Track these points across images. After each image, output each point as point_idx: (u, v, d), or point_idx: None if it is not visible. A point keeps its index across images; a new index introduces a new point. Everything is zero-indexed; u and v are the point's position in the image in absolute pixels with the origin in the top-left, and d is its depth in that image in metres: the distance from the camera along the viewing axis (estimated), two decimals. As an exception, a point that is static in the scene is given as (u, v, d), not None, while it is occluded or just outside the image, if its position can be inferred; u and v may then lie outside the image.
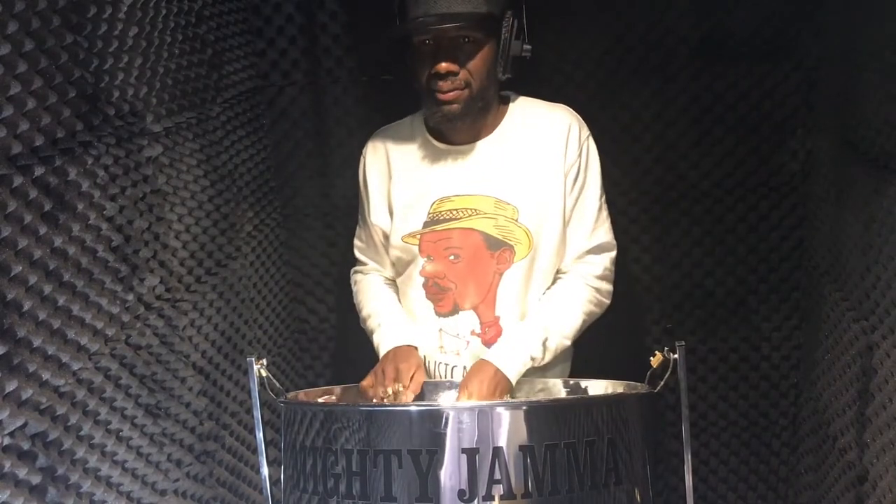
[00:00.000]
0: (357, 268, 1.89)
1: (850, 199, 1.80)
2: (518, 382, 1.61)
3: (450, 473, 1.25)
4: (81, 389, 1.25)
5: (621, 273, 1.81)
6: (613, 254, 1.75)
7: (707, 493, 2.40)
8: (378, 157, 1.76)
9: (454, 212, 1.67)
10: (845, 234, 1.83)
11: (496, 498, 1.25)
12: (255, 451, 1.86)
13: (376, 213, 1.76)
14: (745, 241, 2.21)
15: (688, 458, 1.41)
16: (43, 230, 1.16)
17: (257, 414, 1.44)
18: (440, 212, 1.68)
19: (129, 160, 1.43)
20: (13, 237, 1.10)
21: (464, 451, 1.25)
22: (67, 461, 1.20)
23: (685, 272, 2.25)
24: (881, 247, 1.60)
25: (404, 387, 1.55)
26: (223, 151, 1.88)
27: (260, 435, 1.46)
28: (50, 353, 1.17)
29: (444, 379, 1.73)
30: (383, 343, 1.70)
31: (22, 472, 1.10)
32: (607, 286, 1.75)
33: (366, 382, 1.60)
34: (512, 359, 1.59)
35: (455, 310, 1.71)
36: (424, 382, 1.66)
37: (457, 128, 1.66)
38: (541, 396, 1.68)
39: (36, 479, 1.13)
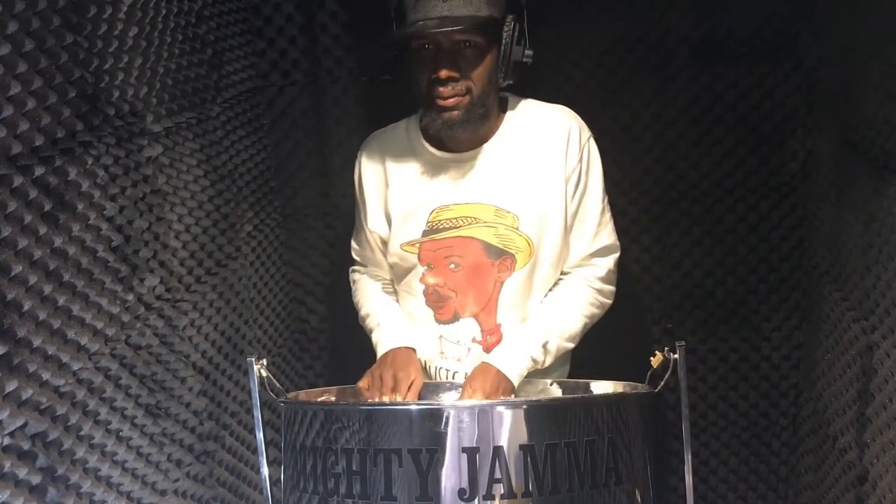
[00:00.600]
0: (356, 267, 1.88)
1: (850, 199, 1.80)
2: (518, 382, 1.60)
3: (450, 473, 1.25)
4: (81, 389, 1.25)
5: (621, 273, 1.81)
6: (617, 255, 1.74)
7: (707, 493, 2.40)
8: (373, 165, 1.72)
9: (454, 220, 1.65)
10: (845, 234, 1.83)
11: (496, 497, 1.25)
12: (255, 451, 1.86)
13: (373, 220, 1.73)
14: (745, 241, 2.21)
15: (688, 458, 1.41)
16: (43, 230, 1.16)
17: (257, 414, 1.44)
18: (439, 220, 1.66)
19: (129, 160, 1.43)
20: (13, 237, 1.10)
21: (464, 450, 1.25)
22: (67, 461, 1.20)
23: (685, 272, 2.25)
24: (881, 247, 1.59)
25: (402, 397, 1.54)
26: (223, 151, 1.88)
27: (260, 435, 1.46)
28: (50, 353, 1.17)
29: (443, 380, 1.73)
30: (382, 343, 1.69)
31: (22, 472, 1.10)
32: (609, 287, 1.74)
33: (362, 384, 1.59)
34: (514, 361, 1.59)
35: (455, 317, 1.70)
36: (425, 383, 1.67)
37: (456, 135, 1.61)
38: (541, 396, 1.68)
39: (36, 479, 1.13)
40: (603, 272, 1.71)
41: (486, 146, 1.65)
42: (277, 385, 1.51)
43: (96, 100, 1.33)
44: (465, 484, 1.24)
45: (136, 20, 1.47)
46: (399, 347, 1.65)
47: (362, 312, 1.80)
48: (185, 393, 1.59)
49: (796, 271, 2.21)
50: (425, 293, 1.71)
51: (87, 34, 1.30)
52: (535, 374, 1.64)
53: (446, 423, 1.26)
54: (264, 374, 1.46)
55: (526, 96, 1.72)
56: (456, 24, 1.49)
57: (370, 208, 1.73)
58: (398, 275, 1.76)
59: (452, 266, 1.66)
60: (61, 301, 1.20)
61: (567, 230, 1.66)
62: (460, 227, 1.64)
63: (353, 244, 1.85)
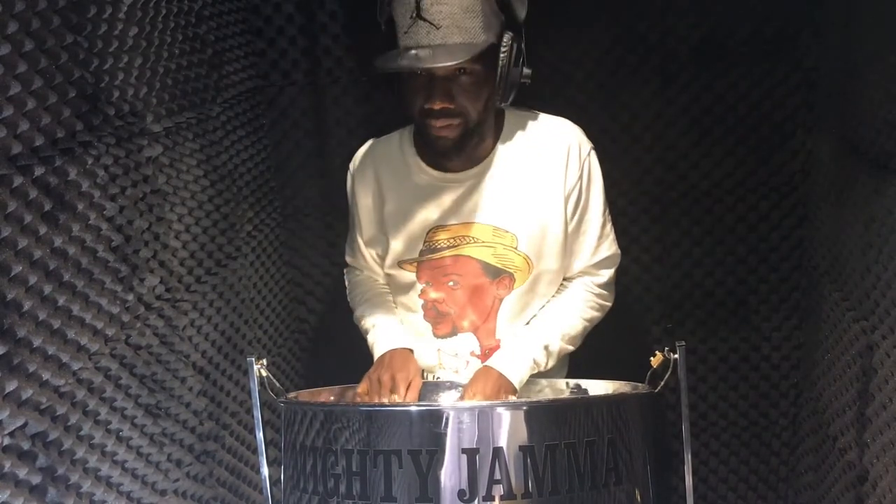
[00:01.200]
0: (352, 267, 1.86)
1: (850, 199, 1.80)
2: (517, 383, 1.60)
3: (450, 473, 1.25)
4: (81, 389, 1.25)
5: (621, 273, 1.81)
6: (618, 263, 1.72)
7: (707, 493, 2.40)
8: (367, 181, 1.67)
9: (451, 240, 1.62)
10: (845, 234, 1.83)
11: (496, 498, 1.25)
12: (255, 451, 1.86)
13: (369, 237, 1.70)
14: (745, 241, 2.21)
15: (688, 458, 1.41)
16: (43, 230, 1.16)
17: (257, 414, 1.44)
18: (437, 240, 1.63)
19: (129, 160, 1.42)
20: (13, 237, 1.10)
21: (464, 451, 1.25)
22: (67, 461, 1.20)
23: (685, 272, 2.25)
24: (881, 247, 1.59)
25: (401, 398, 1.53)
26: (223, 151, 1.88)
27: (260, 435, 1.46)
28: (50, 353, 1.17)
29: (443, 381, 1.73)
30: (378, 344, 1.67)
31: (22, 472, 1.10)
32: (610, 292, 1.73)
33: (361, 389, 1.57)
34: (515, 364, 1.58)
35: (454, 331, 1.70)
36: (424, 383, 1.66)
37: (451, 159, 1.57)
38: (541, 397, 1.68)
39: (36, 479, 1.13)
40: (604, 280, 1.70)
41: (482, 165, 1.60)
42: (277, 385, 1.51)
43: (96, 100, 1.33)
44: (464, 485, 1.24)
45: (136, 20, 1.47)
46: (396, 349, 1.64)
47: (357, 312, 1.78)
48: (185, 393, 1.59)
49: (796, 271, 2.21)
50: (424, 307, 1.70)
51: (87, 34, 1.30)
52: (533, 375, 1.64)
53: (446, 423, 1.26)
54: (264, 374, 1.46)
55: (526, 99, 1.68)
56: (451, 57, 1.40)
57: (365, 225, 1.70)
58: (395, 288, 1.74)
59: (451, 284, 1.65)
60: (61, 301, 1.20)
61: (566, 247, 1.63)
62: (458, 245, 1.62)
63: (347, 251, 1.82)
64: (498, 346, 1.68)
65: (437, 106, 1.45)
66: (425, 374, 1.74)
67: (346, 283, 1.86)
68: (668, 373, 1.40)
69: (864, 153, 1.71)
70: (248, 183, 2.04)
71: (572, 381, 1.72)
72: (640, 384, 1.50)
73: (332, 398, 1.68)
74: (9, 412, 1.08)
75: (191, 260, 1.68)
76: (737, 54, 2.07)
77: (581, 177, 1.60)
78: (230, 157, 1.93)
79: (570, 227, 1.62)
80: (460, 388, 1.68)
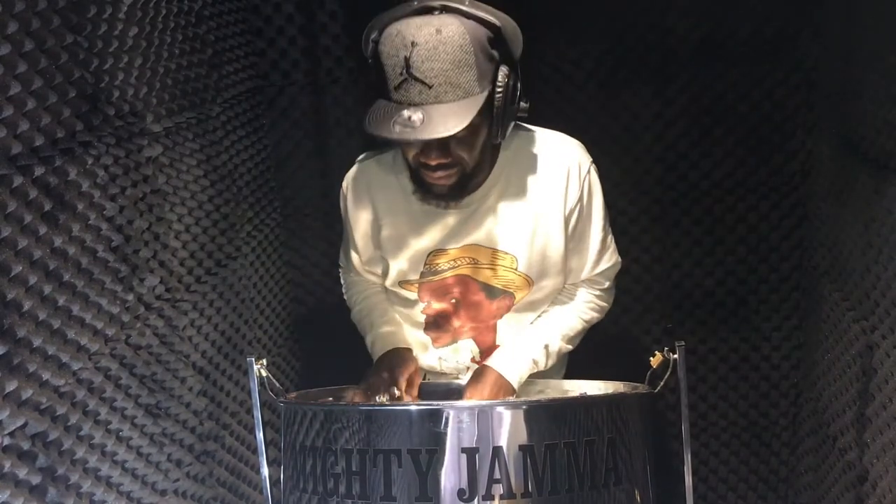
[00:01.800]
0: (348, 270, 1.83)
1: (850, 199, 1.80)
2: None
3: (450, 473, 1.25)
4: (81, 389, 1.25)
5: (621, 273, 1.81)
6: (618, 270, 1.71)
7: (707, 493, 2.40)
8: (363, 206, 1.61)
9: (452, 262, 1.60)
10: (845, 234, 1.83)
11: (496, 497, 1.25)
12: (255, 451, 1.86)
13: (367, 258, 1.67)
14: (745, 241, 2.21)
15: (688, 458, 1.40)
16: (43, 230, 1.16)
17: (257, 414, 1.44)
18: (437, 263, 1.60)
19: (129, 160, 1.43)
20: (13, 237, 1.10)
21: (464, 450, 1.25)
22: (67, 461, 1.20)
23: (685, 272, 2.25)
24: (881, 247, 1.59)
25: (399, 390, 1.52)
26: (223, 151, 1.88)
27: (260, 435, 1.46)
28: (50, 353, 1.17)
29: (443, 381, 1.73)
30: (377, 345, 1.66)
31: (22, 472, 1.10)
32: (609, 295, 1.72)
33: (361, 389, 1.55)
34: (514, 364, 1.58)
35: (454, 340, 1.70)
36: (424, 383, 1.66)
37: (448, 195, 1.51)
38: (540, 397, 1.68)
39: (36, 479, 1.13)
40: (604, 285, 1.69)
41: (481, 190, 1.53)
42: (277, 385, 1.50)
43: (96, 100, 1.33)
44: (464, 484, 1.24)
45: (136, 20, 1.47)
46: (395, 348, 1.64)
47: (355, 311, 1.77)
48: (185, 393, 1.59)
49: (796, 271, 2.21)
50: (425, 321, 1.70)
51: (87, 34, 1.30)
52: (532, 375, 1.64)
53: (446, 423, 1.26)
54: (264, 374, 1.46)
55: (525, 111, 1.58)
56: (447, 125, 1.30)
57: (362, 248, 1.66)
58: (394, 301, 1.73)
59: (453, 301, 1.66)
60: (61, 301, 1.20)
61: (567, 264, 1.60)
62: (458, 266, 1.61)
63: (342, 259, 1.80)
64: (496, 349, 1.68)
65: (434, 162, 1.40)
66: (426, 376, 1.74)
67: (343, 281, 1.86)
68: (668, 373, 1.40)
69: (864, 153, 1.71)
70: (248, 183, 2.04)
71: (572, 381, 1.72)
72: (639, 384, 1.50)
73: (331, 398, 1.67)
74: (9, 412, 1.08)
75: (191, 260, 1.68)
76: (737, 54, 2.08)
77: (581, 197, 1.55)
78: (230, 157, 1.93)
79: (571, 245, 1.59)
80: (460, 389, 1.68)
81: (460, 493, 1.24)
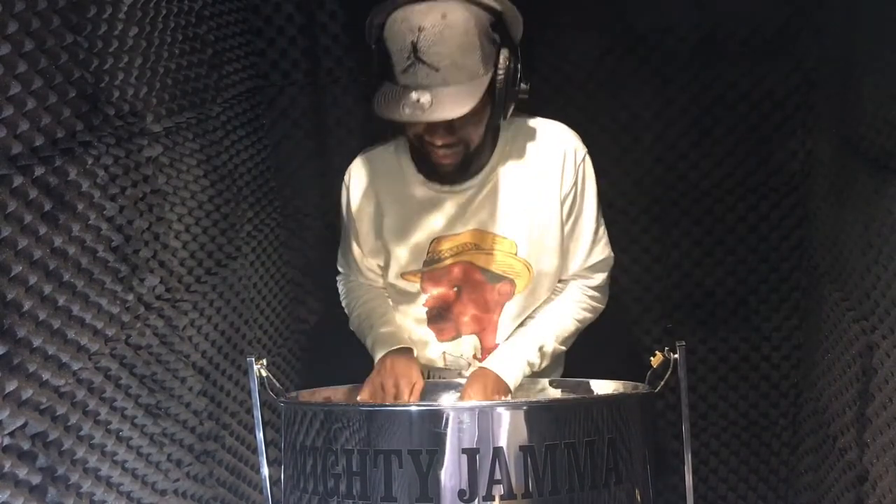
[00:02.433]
0: (344, 274, 1.84)
1: (850, 199, 1.80)
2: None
3: (450, 473, 1.25)
4: (81, 389, 1.25)
5: (621, 273, 1.82)
6: (611, 265, 1.72)
7: (707, 493, 2.40)
8: (365, 194, 1.65)
9: (454, 248, 1.62)
10: (845, 234, 1.83)
11: (496, 498, 1.25)
12: (255, 451, 1.86)
13: (370, 249, 1.69)
14: (745, 241, 2.21)
15: (688, 458, 1.41)
16: (43, 230, 1.16)
17: (257, 414, 1.44)
18: (440, 250, 1.63)
19: (129, 160, 1.42)
20: (13, 237, 1.10)
21: (464, 451, 1.25)
22: (67, 461, 1.20)
23: (685, 272, 2.25)
24: (881, 247, 1.60)
25: (401, 393, 1.53)
26: (223, 151, 1.88)
27: (260, 435, 1.46)
28: (50, 353, 1.17)
29: (443, 380, 1.73)
30: (378, 346, 1.65)
31: (22, 472, 1.10)
32: (603, 295, 1.73)
33: (364, 396, 1.56)
34: (510, 365, 1.58)
35: (458, 335, 1.71)
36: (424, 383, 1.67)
37: (451, 175, 1.57)
38: (540, 397, 1.68)
39: (36, 479, 1.13)
40: (597, 282, 1.70)
41: (481, 175, 1.58)
42: (277, 385, 1.50)
43: (96, 100, 1.33)
44: (464, 485, 1.24)
45: (136, 20, 1.47)
46: (397, 351, 1.63)
47: (354, 317, 1.77)
48: (185, 393, 1.59)
49: (796, 271, 2.21)
50: (428, 314, 1.70)
51: (87, 34, 1.30)
52: (527, 375, 1.64)
53: (446, 423, 1.26)
54: (264, 374, 1.46)
55: (527, 99, 1.62)
56: (455, 107, 1.36)
57: (364, 238, 1.68)
58: (397, 298, 1.73)
59: (455, 289, 1.66)
60: (61, 301, 1.20)
61: (563, 250, 1.63)
62: (460, 253, 1.63)
63: (341, 262, 1.81)
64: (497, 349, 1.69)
65: (440, 142, 1.45)
66: (429, 374, 1.74)
67: (340, 289, 1.85)
68: (668, 373, 1.40)
69: (864, 153, 1.71)
70: (248, 183, 2.04)
71: (572, 381, 1.71)
72: (640, 384, 1.50)
73: (332, 398, 1.67)
74: (9, 412, 1.08)
75: (191, 260, 1.68)
76: (737, 54, 2.08)
77: (576, 182, 1.59)
78: (230, 157, 1.93)
79: (566, 231, 1.62)
80: (460, 389, 1.68)
81: (461, 493, 1.24)
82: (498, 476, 1.25)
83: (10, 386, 1.08)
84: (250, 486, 1.90)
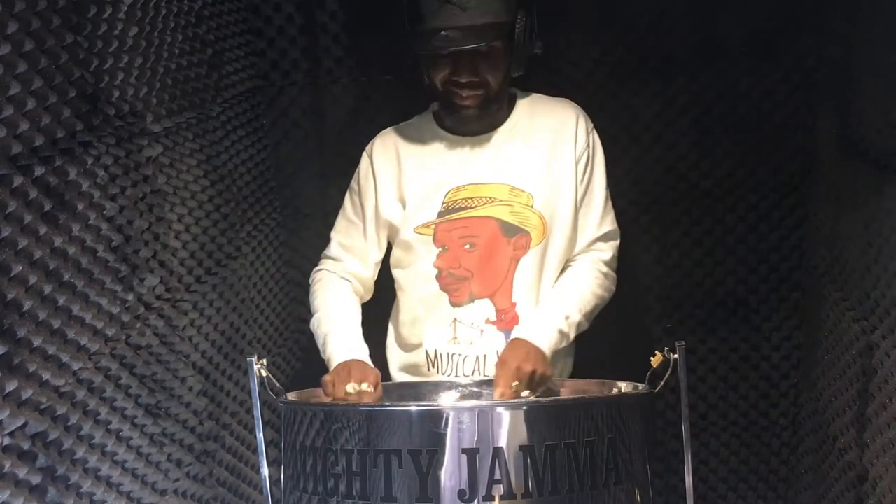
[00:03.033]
0: (323, 266, 1.80)
1: (850, 199, 1.80)
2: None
3: (450, 473, 1.25)
4: (81, 389, 1.25)
5: (621, 273, 1.81)
6: (618, 242, 1.80)
7: (707, 493, 2.39)
8: (387, 152, 1.76)
9: (469, 200, 1.69)
10: (845, 234, 1.83)
11: (496, 498, 1.25)
12: (255, 451, 1.86)
13: (386, 206, 1.73)
14: (745, 241, 2.21)
15: (688, 458, 1.41)
16: (43, 230, 1.16)
17: (257, 414, 1.44)
18: (455, 201, 1.69)
19: (129, 160, 1.43)
20: (13, 237, 1.10)
21: (464, 451, 1.25)
22: (67, 461, 1.20)
23: (685, 272, 2.25)
24: (881, 247, 1.60)
25: (367, 383, 1.50)
26: (223, 151, 1.88)
27: (260, 435, 1.46)
28: (50, 353, 1.17)
29: (445, 379, 1.73)
30: (335, 355, 1.61)
31: (22, 472, 1.10)
32: (613, 273, 1.79)
33: (327, 377, 1.53)
34: (542, 333, 1.61)
35: (471, 298, 1.70)
36: (425, 382, 1.66)
37: (471, 123, 1.71)
38: (541, 396, 1.68)
39: (36, 479, 1.13)
40: (608, 256, 1.76)
41: (499, 129, 1.73)
42: (277, 385, 1.50)
43: (96, 100, 1.33)
44: (464, 485, 1.24)
45: (136, 20, 1.47)
46: (352, 360, 1.59)
47: (317, 315, 1.72)
48: (185, 393, 1.59)
49: (796, 271, 2.21)
50: (439, 277, 1.70)
51: (87, 34, 1.30)
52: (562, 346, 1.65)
53: (446, 424, 1.26)
54: (264, 374, 1.46)
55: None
56: (480, 39, 1.56)
57: (383, 195, 1.74)
58: (409, 260, 1.73)
59: (468, 247, 1.68)
60: (61, 301, 1.20)
61: (577, 210, 1.71)
62: (476, 206, 1.68)
63: (338, 237, 1.80)
64: (513, 309, 1.69)
65: (464, 80, 1.60)
66: (437, 354, 1.73)
67: (313, 282, 1.80)
68: (668, 373, 1.40)
69: (864, 153, 1.71)
70: (248, 183, 2.04)
71: (573, 381, 1.72)
72: (640, 384, 1.50)
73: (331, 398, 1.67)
74: (9, 412, 1.08)
75: (191, 260, 1.68)
76: (737, 54, 2.07)
77: (588, 145, 1.73)
78: (230, 157, 1.93)
79: (580, 193, 1.71)
80: (460, 389, 1.68)
81: (461, 493, 1.24)
82: (498, 476, 1.25)
83: (10, 386, 1.08)
84: (250, 486, 1.90)
